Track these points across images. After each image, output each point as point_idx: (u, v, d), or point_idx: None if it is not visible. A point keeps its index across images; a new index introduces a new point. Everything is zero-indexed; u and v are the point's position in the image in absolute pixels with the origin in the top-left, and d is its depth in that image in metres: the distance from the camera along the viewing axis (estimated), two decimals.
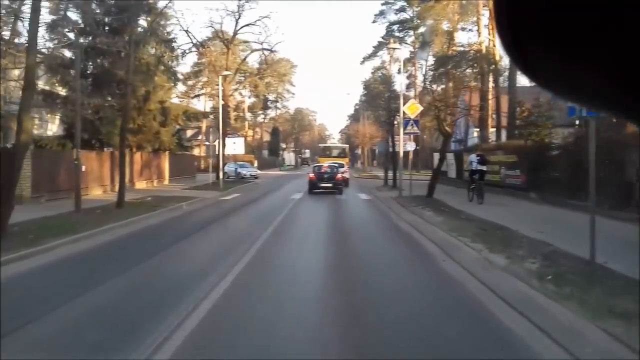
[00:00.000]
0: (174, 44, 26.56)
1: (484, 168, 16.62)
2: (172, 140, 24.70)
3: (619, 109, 0.56)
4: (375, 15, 41.65)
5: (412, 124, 19.97)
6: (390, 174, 28.24)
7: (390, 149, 27.90)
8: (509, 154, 18.81)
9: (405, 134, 20.31)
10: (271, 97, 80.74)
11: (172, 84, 26.96)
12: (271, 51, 34.92)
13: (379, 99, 31.16)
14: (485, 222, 12.01)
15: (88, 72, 21.22)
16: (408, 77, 39.37)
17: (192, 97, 39.14)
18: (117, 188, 23.30)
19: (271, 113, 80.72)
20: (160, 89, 25.88)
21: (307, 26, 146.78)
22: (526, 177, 17.25)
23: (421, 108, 20.33)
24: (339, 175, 23.09)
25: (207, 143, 25.24)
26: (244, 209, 17.51)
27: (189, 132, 66.05)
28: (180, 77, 30.98)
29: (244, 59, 34.90)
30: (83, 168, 20.48)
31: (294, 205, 18.24)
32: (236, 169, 37.35)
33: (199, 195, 21.31)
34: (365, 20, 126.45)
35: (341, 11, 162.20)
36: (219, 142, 34.56)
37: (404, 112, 20.33)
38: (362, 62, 46.29)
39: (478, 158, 16.69)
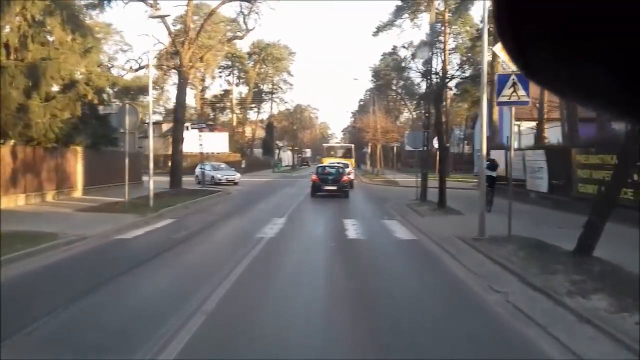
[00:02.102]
0: None
1: (494, 174, 15.47)
2: (54, 124, 13.70)
3: (620, 108, 0.56)
4: None
5: (514, 83, 9.14)
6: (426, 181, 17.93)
7: (435, 143, 17.31)
8: None
9: (500, 104, 9.41)
10: (266, 88, 70.34)
11: (73, 38, 15.95)
12: (250, 2, 24.03)
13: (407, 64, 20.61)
14: None
15: None
16: (425, 64, 28.26)
17: (137, 70, 27.88)
18: None
19: (266, 108, 69.93)
20: (54, 46, 15.13)
21: (309, 27, 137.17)
22: None
23: None
24: (344, 177, 21.92)
25: (121, 130, 14.42)
26: (105, 292, 6.63)
27: (165, 127, 54.38)
28: (92, 28, 19.90)
29: (212, 12, 24.02)
30: None
31: (242, 276, 7.40)
32: (204, 171, 26.83)
33: (74, 231, 10.58)
34: (369, 21, 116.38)
35: (346, 12, 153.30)
36: (179, 133, 24.18)
37: (491, 65, 9.51)
38: (376, 33, 35.59)
39: (487, 163, 14.82)
